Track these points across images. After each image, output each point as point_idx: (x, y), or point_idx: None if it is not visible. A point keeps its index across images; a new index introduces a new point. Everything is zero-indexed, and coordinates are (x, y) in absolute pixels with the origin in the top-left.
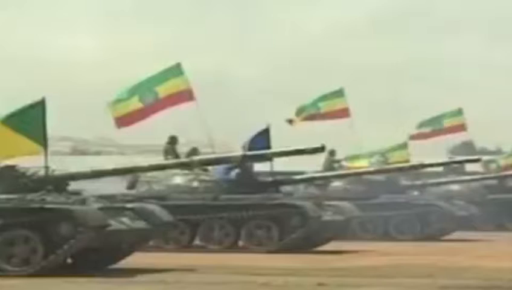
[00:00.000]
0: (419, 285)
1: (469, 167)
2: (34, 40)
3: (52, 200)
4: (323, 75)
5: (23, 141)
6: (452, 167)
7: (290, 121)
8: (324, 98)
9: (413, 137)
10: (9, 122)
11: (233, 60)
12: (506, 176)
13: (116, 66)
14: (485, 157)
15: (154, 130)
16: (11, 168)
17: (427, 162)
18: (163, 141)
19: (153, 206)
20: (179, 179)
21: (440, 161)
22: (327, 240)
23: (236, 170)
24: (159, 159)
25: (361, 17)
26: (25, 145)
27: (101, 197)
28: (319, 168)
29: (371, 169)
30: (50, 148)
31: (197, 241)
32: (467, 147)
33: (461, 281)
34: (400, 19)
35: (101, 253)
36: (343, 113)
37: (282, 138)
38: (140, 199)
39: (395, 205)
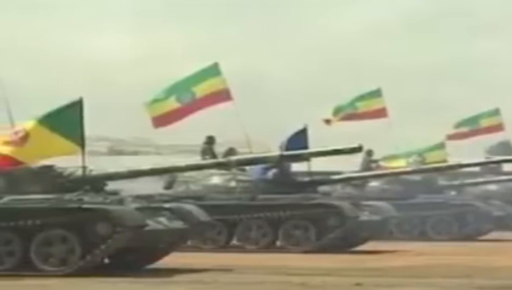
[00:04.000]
0: (456, 285)
1: (506, 167)
2: (69, 40)
3: (90, 200)
4: (359, 76)
5: (61, 141)
6: (489, 167)
7: (328, 121)
8: (361, 98)
9: (450, 137)
10: (46, 122)
11: (270, 60)
12: None
13: (153, 66)
14: None
15: (192, 130)
16: (49, 168)
17: (464, 162)
18: (200, 141)
19: (190, 206)
20: (216, 179)
21: (477, 161)
22: (364, 240)
23: (274, 170)
24: (197, 159)
25: (396, 17)
26: (62, 145)
27: (139, 197)
28: (357, 168)
29: (408, 169)
30: (87, 148)
31: (234, 242)
32: (504, 147)
33: (498, 281)
34: (436, 19)
35: (138, 253)
36: (381, 113)
37: (320, 137)
38: (177, 199)
39: (432, 205)
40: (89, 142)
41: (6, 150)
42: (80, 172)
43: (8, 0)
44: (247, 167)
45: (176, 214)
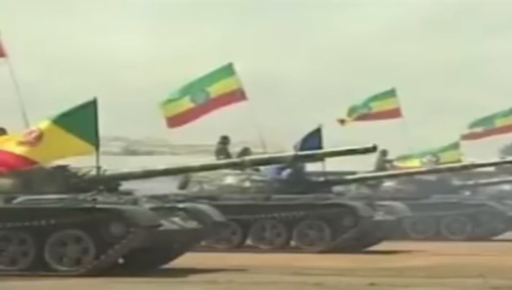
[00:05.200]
0: (470, 285)
1: None
2: (84, 40)
3: (104, 200)
4: (374, 76)
5: (75, 141)
6: (504, 167)
7: (342, 121)
8: (376, 98)
9: (464, 137)
10: (61, 122)
11: (284, 60)
12: None
13: (168, 66)
14: None
15: (206, 130)
16: (63, 168)
17: (478, 162)
18: (214, 141)
19: (204, 206)
20: (230, 179)
21: (492, 160)
22: (379, 240)
23: (288, 170)
24: (211, 159)
25: (411, 18)
26: (77, 145)
27: (153, 197)
28: (371, 168)
29: (423, 169)
30: (101, 148)
31: (248, 242)
32: None
33: None
34: (452, 18)
35: (152, 253)
36: (395, 113)
37: (334, 138)
38: (191, 199)
39: (446, 205)
40: (103, 142)
41: (20, 150)
42: (94, 172)
43: (23, 3)
44: (262, 167)
45: (190, 214)
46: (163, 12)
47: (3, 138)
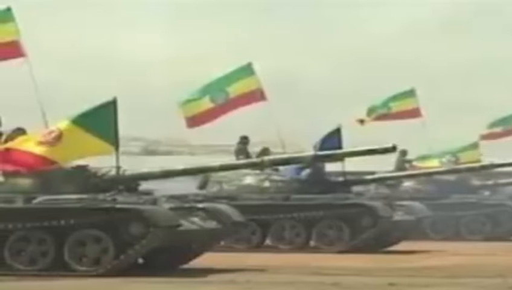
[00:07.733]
0: (489, 285)
1: None
2: (104, 39)
3: (123, 200)
4: (393, 75)
5: (94, 141)
6: None
7: (361, 121)
8: (395, 98)
9: (484, 137)
10: (80, 122)
11: (304, 61)
12: None
13: (187, 66)
14: None
15: (226, 130)
16: (83, 168)
17: (498, 162)
18: (234, 141)
19: (223, 206)
20: (250, 179)
21: (511, 161)
22: (398, 240)
23: (308, 170)
24: (230, 159)
25: (432, 16)
26: (96, 145)
27: (172, 197)
28: (390, 168)
29: (442, 169)
30: (121, 148)
31: (267, 242)
32: None
33: None
34: (471, 18)
35: (171, 253)
36: (415, 113)
37: (353, 138)
38: (211, 199)
39: (465, 205)
40: (122, 142)
41: (39, 150)
42: (113, 172)
43: (39, 2)
44: (281, 167)
45: (209, 214)
46: (182, 12)
47: (22, 138)
